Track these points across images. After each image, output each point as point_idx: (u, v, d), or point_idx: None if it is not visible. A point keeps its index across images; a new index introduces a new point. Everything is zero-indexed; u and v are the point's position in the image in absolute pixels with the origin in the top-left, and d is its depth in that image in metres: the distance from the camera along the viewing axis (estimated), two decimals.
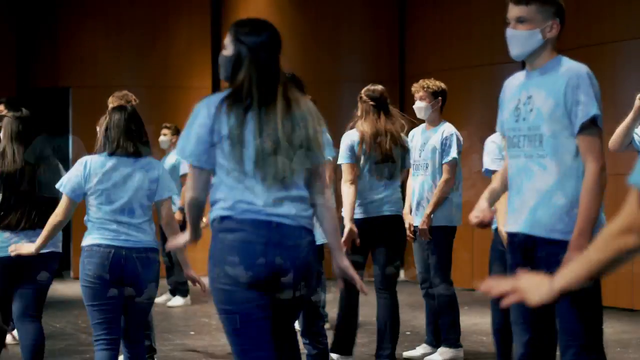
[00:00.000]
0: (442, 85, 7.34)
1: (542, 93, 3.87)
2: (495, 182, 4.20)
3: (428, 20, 12.55)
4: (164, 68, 13.61)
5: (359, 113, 6.83)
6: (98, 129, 5.37)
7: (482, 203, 4.08)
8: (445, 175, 7.11)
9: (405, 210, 7.29)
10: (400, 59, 13.25)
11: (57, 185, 5.28)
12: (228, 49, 3.78)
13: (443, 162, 7.16)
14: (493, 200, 4.14)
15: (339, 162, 6.70)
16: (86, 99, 13.24)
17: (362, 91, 6.95)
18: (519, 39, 3.91)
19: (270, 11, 13.46)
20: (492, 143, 6.08)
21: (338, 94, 12.68)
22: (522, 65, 11.28)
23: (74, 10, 13.61)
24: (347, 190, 6.60)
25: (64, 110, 13.59)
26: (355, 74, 13.27)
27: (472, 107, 11.52)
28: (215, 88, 13.84)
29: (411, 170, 7.32)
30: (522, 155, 3.91)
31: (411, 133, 7.44)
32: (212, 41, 13.86)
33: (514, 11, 3.93)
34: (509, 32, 3.94)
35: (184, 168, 10.52)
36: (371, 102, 6.80)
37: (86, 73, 13.51)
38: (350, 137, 6.72)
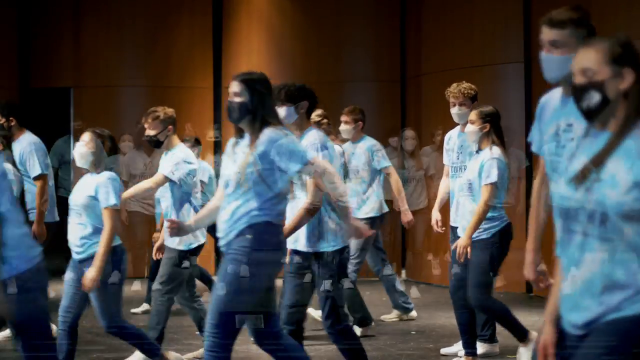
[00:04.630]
0: (475, 87, 7.50)
1: (582, 124, 3.82)
2: (535, 212, 4.09)
3: (429, 21, 12.57)
4: (165, 68, 13.60)
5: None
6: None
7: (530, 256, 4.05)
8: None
9: (435, 207, 7.57)
10: (401, 59, 13.27)
11: None
12: None
13: None
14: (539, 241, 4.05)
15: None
16: (87, 99, 13.25)
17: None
18: (555, 64, 3.89)
19: (271, 11, 13.47)
20: None
21: (339, 94, 12.70)
22: (525, 66, 11.31)
23: (75, 10, 13.61)
24: None
25: (64, 111, 13.60)
26: (356, 74, 13.29)
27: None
28: (217, 88, 13.86)
29: (450, 172, 7.42)
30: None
31: (447, 136, 7.56)
32: (214, 41, 13.86)
33: (548, 35, 3.89)
34: (544, 56, 3.90)
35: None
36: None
37: (87, 73, 13.50)
38: None
